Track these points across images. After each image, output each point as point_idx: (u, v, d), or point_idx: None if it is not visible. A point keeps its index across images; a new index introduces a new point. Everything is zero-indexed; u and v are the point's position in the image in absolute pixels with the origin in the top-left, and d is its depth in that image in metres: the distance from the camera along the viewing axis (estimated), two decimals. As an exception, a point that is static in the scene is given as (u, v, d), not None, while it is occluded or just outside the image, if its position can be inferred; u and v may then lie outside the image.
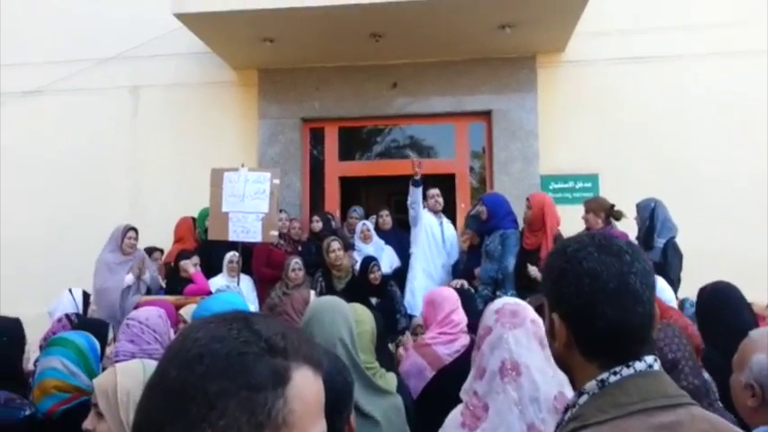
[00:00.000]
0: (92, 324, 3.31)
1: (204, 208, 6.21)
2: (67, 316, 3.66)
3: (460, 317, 3.16)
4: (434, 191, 5.96)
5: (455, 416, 1.84)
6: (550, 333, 1.17)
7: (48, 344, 2.22)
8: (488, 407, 1.76)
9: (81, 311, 4.42)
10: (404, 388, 2.71)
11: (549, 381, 1.74)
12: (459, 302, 3.21)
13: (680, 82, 6.63)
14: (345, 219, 6.72)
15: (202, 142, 7.10)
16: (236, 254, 5.58)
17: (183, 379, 0.71)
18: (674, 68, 6.65)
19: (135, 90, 7.34)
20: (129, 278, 5.40)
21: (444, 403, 2.36)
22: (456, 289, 4.06)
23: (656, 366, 1.10)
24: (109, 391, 1.70)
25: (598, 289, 1.08)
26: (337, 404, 1.21)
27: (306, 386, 0.75)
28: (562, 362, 1.18)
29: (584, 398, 1.09)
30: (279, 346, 0.74)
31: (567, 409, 1.14)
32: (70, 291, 4.60)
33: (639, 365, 1.08)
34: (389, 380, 2.47)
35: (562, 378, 1.70)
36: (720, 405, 1.97)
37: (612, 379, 1.07)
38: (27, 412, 2.52)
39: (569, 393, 1.67)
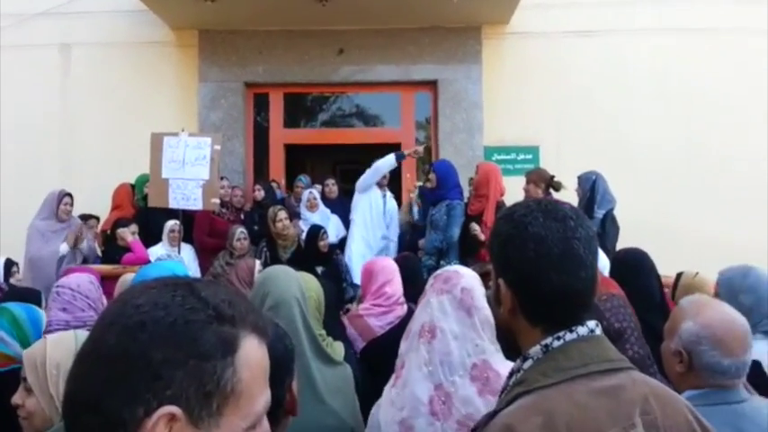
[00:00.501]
0: (23, 293, 3.18)
1: (142, 174, 6.01)
2: (-1, 286, 3.52)
3: (395, 288, 3.17)
4: None
5: (388, 384, 1.90)
6: (496, 298, 1.18)
7: None
8: (404, 364, 1.82)
9: (2, 280, 4.24)
10: (352, 357, 2.73)
11: (467, 347, 1.75)
12: (396, 273, 3.20)
13: (622, 55, 6.80)
14: (291, 187, 6.64)
15: (139, 105, 6.82)
16: (178, 222, 5.43)
17: (124, 347, 0.67)
18: (616, 42, 6.81)
19: (65, 48, 6.95)
20: (64, 247, 5.17)
21: (373, 375, 2.40)
22: (402, 259, 4.09)
23: (598, 331, 1.12)
24: (38, 364, 1.63)
25: (543, 253, 1.09)
26: (278, 371, 1.20)
27: (253, 354, 0.73)
28: (507, 327, 1.19)
29: (529, 363, 1.10)
30: (227, 314, 0.72)
31: (511, 374, 1.15)
32: (-11, 259, 4.39)
33: (582, 330, 1.09)
34: (337, 349, 2.47)
35: (489, 348, 1.75)
36: (658, 374, 2.06)
37: (556, 344, 1.08)
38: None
39: (496, 362, 1.73)
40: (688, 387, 1.66)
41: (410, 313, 2.97)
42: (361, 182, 5.76)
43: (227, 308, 0.72)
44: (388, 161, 5.66)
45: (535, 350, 1.10)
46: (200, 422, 0.68)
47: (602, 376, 1.05)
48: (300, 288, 2.09)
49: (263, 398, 0.75)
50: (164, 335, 0.68)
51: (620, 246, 4.92)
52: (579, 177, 5.24)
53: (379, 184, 5.87)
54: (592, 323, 1.11)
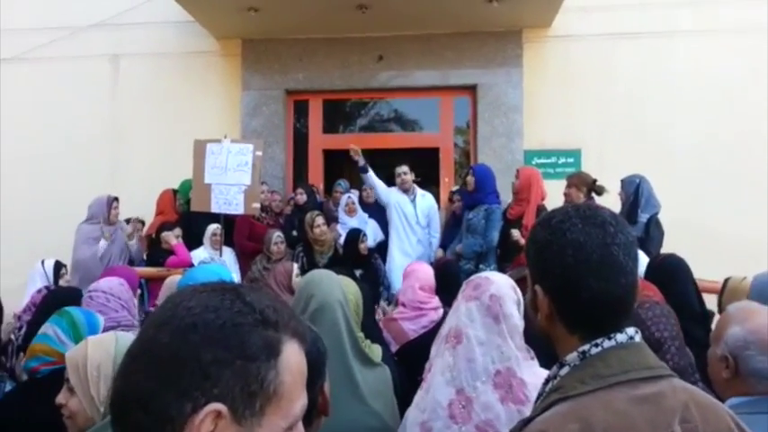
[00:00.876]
0: (65, 291, 3.29)
1: (186, 179, 6.16)
2: (46, 287, 3.66)
3: (429, 292, 3.19)
4: (401, 168, 5.89)
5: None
6: (533, 305, 1.17)
7: (58, 313, 2.27)
8: (431, 368, 1.84)
9: (51, 282, 4.40)
10: (389, 359, 2.75)
11: (491, 354, 1.76)
12: (430, 278, 3.23)
13: (665, 58, 6.64)
14: (329, 192, 6.70)
15: (184, 113, 7.00)
16: (219, 226, 5.55)
17: (176, 347, 0.71)
18: (659, 44, 6.66)
19: (115, 59, 7.20)
20: (103, 243, 5.34)
21: (407, 378, 2.41)
22: (442, 264, 4.10)
23: (637, 338, 1.10)
24: (79, 365, 1.65)
25: (582, 260, 1.07)
26: (312, 374, 1.24)
27: (294, 358, 0.77)
28: (545, 334, 1.17)
29: (565, 369, 1.09)
30: (271, 319, 0.76)
31: (548, 381, 1.14)
32: (42, 262, 4.57)
33: (621, 337, 1.07)
34: (376, 351, 2.49)
35: (514, 355, 1.75)
36: (701, 383, 2.01)
37: (594, 351, 1.07)
38: (6, 386, 2.54)
39: (521, 370, 1.72)
40: (734, 394, 1.62)
41: (445, 318, 3.01)
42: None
43: (271, 313, 0.76)
44: (363, 177, 5.90)
45: (572, 357, 1.09)
46: (243, 420, 0.71)
47: (641, 384, 1.03)
48: (343, 292, 2.13)
49: (301, 400, 0.78)
50: (214, 336, 0.71)
51: (664, 251, 4.82)
52: (623, 181, 5.13)
53: (405, 189, 5.85)
54: (631, 330, 1.09)
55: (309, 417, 1.27)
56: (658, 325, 2.09)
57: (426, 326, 3.06)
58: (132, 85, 7.18)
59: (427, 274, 3.28)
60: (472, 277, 1.96)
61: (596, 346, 1.07)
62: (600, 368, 1.05)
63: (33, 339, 2.20)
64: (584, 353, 1.08)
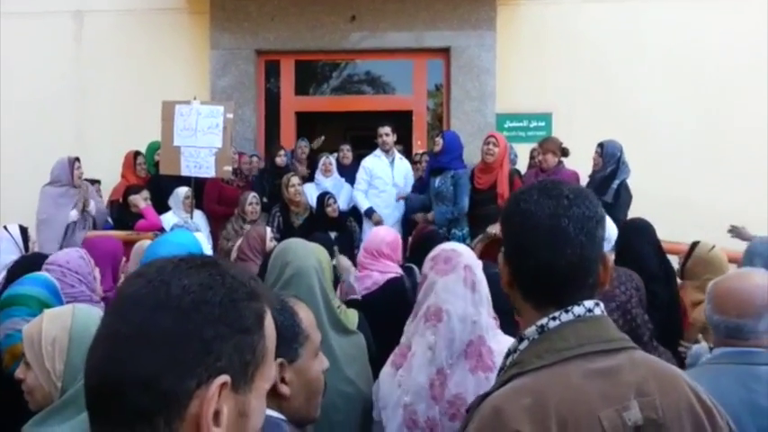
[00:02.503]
0: (31, 259, 3.17)
1: (153, 141, 6.06)
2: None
3: (372, 256, 3.26)
4: (383, 129, 5.87)
5: (388, 362, 1.96)
6: (500, 271, 1.21)
7: (4, 303, 2.12)
8: (411, 347, 1.88)
9: (22, 248, 4.29)
10: (364, 325, 2.79)
11: (467, 328, 1.80)
12: (380, 242, 3.30)
13: (637, 23, 6.66)
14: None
15: (150, 71, 6.83)
16: (190, 189, 5.48)
17: (178, 327, 0.72)
18: (632, 9, 6.66)
19: (78, 15, 6.94)
20: (74, 214, 5.24)
21: None
22: (424, 234, 4.16)
23: (597, 311, 1.11)
24: (34, 339, 1.62)
25: (529, 228, 1.11)
26: (285, 346, 1.28)
27: (270, 326, 0.81)
28: (511, 301, 1.20)
29: (525, 343, 1.11)
30: (256, 292, 0.79)
31: (508, 354, 1.15)
32: (5, 227, 4.44)
33: (578, 310, 1.09)
34: (351, 317, 2.52)
35: (485, 323, 1.81)
36: (656, 343, 2.09)
37: (552, 324, 1.09)
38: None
39: (489, 338, 1.79)
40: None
41: (389, 282, 3.13)
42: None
43: (255, 286, 0.80)
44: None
45: (531, 331, 1.11)
46: (239, 388, 0.75)
47: (598, 357, 1.05)
48: (318, 259, 2.11)
49: (272, 361, 0.83)
50: (214, 313, 0.73)
51: (629, 214, 4.94)
52: (603, 145, 5.18)
53: (385, 150, 5.85)
54: (590, 303, 1.10)
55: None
56: (622, 286, 2.15)
57: (369, 287, 3.15)
58: (96, 43, 6.95)
59: (377, 237, 3.36)
60: (436, 252, 1.96)
61: (554, 319, 1.09)
62: (556, 342, 1.07)
63: (6, 337, 2.06)
64: (542, 327, 1.09)
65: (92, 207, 5.35)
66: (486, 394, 1.09)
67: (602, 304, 1.13)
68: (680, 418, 1.02)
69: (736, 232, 4.22)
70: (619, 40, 6.66)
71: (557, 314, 1.09)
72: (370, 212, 5.65)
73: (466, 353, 1.79)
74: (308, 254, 2.10)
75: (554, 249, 1.09)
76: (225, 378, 0.72)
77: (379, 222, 5.53)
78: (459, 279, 1.85)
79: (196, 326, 0.72)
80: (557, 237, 1.10)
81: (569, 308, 1.09)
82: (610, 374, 1.03)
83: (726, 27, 6.53)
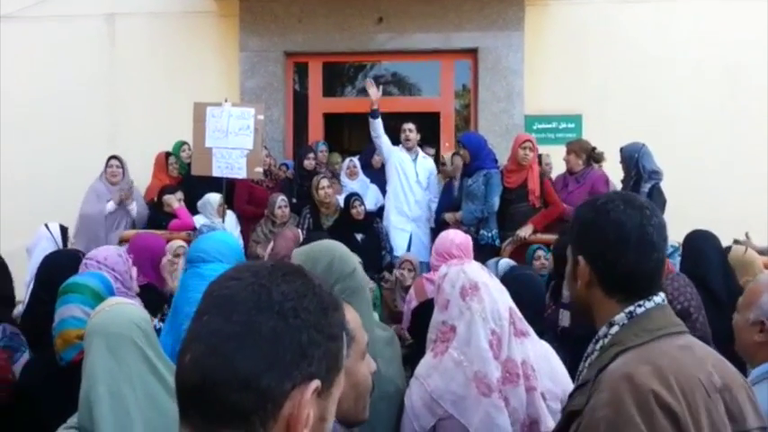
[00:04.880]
0: (62, 257, 3.24)
1: (178, 141, 6.17)
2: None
3: (441, 257, 3.30)
4: (407, 125, 5.80)
5: (426, 358, 1.97)
6: (572, 274, 1.39)
7: (62, 291, 2.19)
8: (456, 327, 1.92)
9: (61, 245, 4.40)
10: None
11: (504, 295, 1.99)
12: (463, 247, 3.36)
13: (667, 23, 6.59)
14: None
15: (181, 74, 6.93)
16: (222, 196, 5.49)
17: (280, 330, 0.75)
18: (662, 9, 6.59)
19: (110, 18, 7.07)
20: (111, 205, 5.39)
21: (418, 334, 2.49)
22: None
23: (665, 301, 1.33)
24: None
25: (622, 237, 1.29)
26: None
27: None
28: (582, 299, 1.39)
29: (615, 328, 1.30)
30: (338, 302, 0.83)
31: (597, 340, 1.34)
32: (46, 225, 4.54)
33: (657, 299, 1.30)
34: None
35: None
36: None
37: (639, 311, 1.29)
38: (25, 353, 2.55)
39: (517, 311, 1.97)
40: (765, 358, 1.74)
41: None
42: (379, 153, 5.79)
43: (337, 296, 0.85)
44: (371, 123, 5.69)
45: (620, 317, 1.30)
46: (322, 393, 0.78)
47: (676, 336, 1.27)
48: (339, 267, 2.12)
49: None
50: (311, 320, 0.77)
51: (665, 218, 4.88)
52: (622, 150, 5.13)
53: (408, 147, 5.79)
54: (663, 294, 1.32)
55: None
56: (685, 295, 2.17)
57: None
58: (128, 45, 7.07)
59: (447, 239, 3.42)
60: (450, 279, 2.01)
61: (640, 306, 1.29)
62: (646, 324, 1.27)
63: (59, 323, 2.12)
64: (630, 313, 1.29)
65: (132, 207, 5.48)
66: (601, 369, 1.25)
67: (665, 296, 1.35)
68: (738, 387, 1.23)
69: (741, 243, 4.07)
70: (649, 40, 6.59)
71: (641, 302, 1.29)
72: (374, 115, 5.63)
73: (509, 319, 1.92)
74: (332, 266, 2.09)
75: (643, 255, 1.29)
76: (318, 383, 0.76)
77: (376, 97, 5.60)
78: (480, 265, 2.05)
79: (295, 330, 0.76)
80: (646, 245, 1.29)
81: (651, 297, 1.30)
82: (690, 349, 1.25)
83: (762, 30, 6.42)
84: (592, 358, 1.33)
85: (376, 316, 2.43)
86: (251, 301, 0.76)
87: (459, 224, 5.17)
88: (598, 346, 1.33)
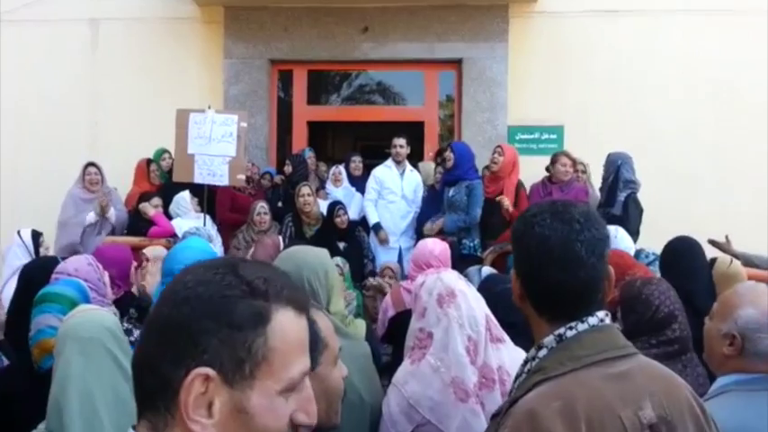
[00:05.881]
0: (40, 262, 3.18)
1: (159, 148, 6.12)
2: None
3: (418, 268, 3.29)
4: (398, 140, 5.87)
5: (404, 365, 1.98)
6: (513, 285, 1.30)
7: (37, 300, 2.17)
8: (433, 334, 1.93)
9: (32, 253, 4.35)
10: (372, 334, 2.80)
11: (481, 302, 1.99)
12: (442, 257, 3.35)
13: (649, 36, 6.68)
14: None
15: (165, 80, 6.89)
16: (188, 193, 5.49)
17: (172, 318, 0.78)
18: (644, 22, 6.68)
19: (94, 23, 7.02)
20: (92, 216, 5.32)
21: (395, 343, 2.48)
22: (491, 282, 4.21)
23: (607, 321, 1.21)
24: None
25: (544, 252, 1.19)
26: None
27: (287, 325, 0.81)
28: (524, 314, 1.29)
29: (543, 351, 1.20)
30: (260, 289, 0.80)
31: (526, 362, 1.24)
32: (19, 233, 4.51)
33: (592, 320, 1.18)
34: (359, 326, 2.53)
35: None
36: (694, 354, 2.10)
37: (569, 334, 1.18)
38: (4, 362, 2.51)
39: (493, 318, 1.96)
40: (732, 370, 1.71)
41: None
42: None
43: (261, 284, 0.81)
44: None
45: (549, 340, 1.19)
46: (234, 383, 0.77)
47: (613, 362, 1.15)
48: (315, 271, 2.10)
49: (298, 365, 0.82)
50: (203, 308, 0.77)
51: (643, 227, 4.94)
52: (608, 156, 5.20)
53: (398, 161, 5.85)
54: (601, 314, 1.20)
55: None
56: (670, 298, 2.18)
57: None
58: (111, 51, 7.01)
59: (426, 249, 3.40)
60: (427, 288, 2.02)
61: (571, 329, 1.18)
62: (576, 350, 1.16)
63: (36, 333, 2.11)
64: (560, 336, 1.18)
65: (111, 214, 5.41)
66: (514, 400, 1.16)
67: (609, 315, 1.23)
68: (683, 416, 1.13)
69: (717, 245, 4.07)
70: (632, 53, 6.68)
71: (573, 324, 1.18)
72: (377, 228, 5.65)
73: (486, 327, 1.93)
74: (303, 269, 2.08)
75: (567, 271, 1.18)
76: (204, 370, 0.76)
77: (384, 241, 5.55)
78: (455, 273, 2.08)
79: (185, 318, 0.77)
80: (570, 261, 1.18)
81: (585, 319, 1.19)
82: (624, 378, 1.13)
83: (740, 43, 6.55)
84: (520, 380, 1.23)
85: (363, 326, 2.43)
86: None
87: (439, 233, 5.18)
88: (526, 369, 1.23)
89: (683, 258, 3.13)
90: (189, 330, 0.76)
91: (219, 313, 0.77)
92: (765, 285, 1.84)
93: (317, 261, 2.10)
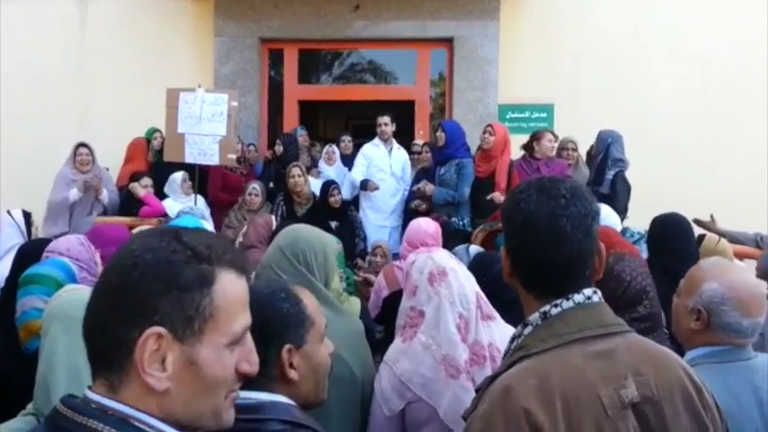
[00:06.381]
0: (33, 244, 3.19)
1: (151, 127, 6.10)
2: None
3: (429, 246, 3.30)
4: (382, 119, 5.91)
5: (395, 343, 2.01)
6: (503, 263, 1.30)
7: (22, 281, 2.17)
8: (424, 312, 1.96)
9: (25, 232, 4.34)
10: (366, 312, 2.83)
11: (471, 281, 2.02)
12: (434, 238, 3.37)
13: (640, 14, 6.67)
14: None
15: (154, 58, 6.83)
16: (186, 173, 5.50)
17: (121, 283, 0.85)
18: (635, 2, 6.68)
19: (82, 2, 6.92)
20: (74, 193, 5.30)
21: (389, 322, 2.53)
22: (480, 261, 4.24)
23: (595, 298, 1.20)
24: None
25: (530, 227, 1.19)
26: (267, 331, 1.31)
27: (229, 286, 0.90)
28: (514, 290, 1.29)
29: (529, 329, 1.20)
30: (203, 254, 0.88)
31: (513, 339, 1.25)
32: (9, 212, 4.48)
33: (578, 297, 1.18)
34: (353, 303, 2.57)
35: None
36: (665, 331, 2.14)
37: (554, 311, 1.18)
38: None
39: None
40: (700, 344, 1.75)
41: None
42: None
43: (203, 249, 0.89)
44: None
45: (534, 317, 1.20)
46: (185, 339, 0.85)
47: (596, 341, 1.14)
48: (313, 248, 2.09)
49: (240, 321, 0.91)
50: (150, 273, 0.85)
51: (632, 206, 4.99)
52: (599, 134, 5.24)
53: (384, 139, 5.88)
54: (588, 291, 1.20)
55: (267, 375, 1.32)
56: (640, 275, 2.21)
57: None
58: (100, 29, 6.93)
59: (420, 229, 3.42)
60: (418, 266, 2.04)
61: (556, 306, 1.18)
62: (558, 327, 1.15)
63: (21, 314, 2.11)
64: (545, 313, 1.18)
65: (104, 195, 5.40)
66: (495, 376, 1.17)
67: (599, 292, 1.22)
68: (672, 396, 1.11)
69: (702, 224, 4.08)
70: (623, 31, 6.67)
71: (558, 301, 1.18)
72: (365, 183, 5.68)
73: (477, 303, 1.96)
74: (306, 247, 2.09)
75: (553, 247, 1.18)
76: (158, 329, 0.83)
77: (375, 188, 5.60)
78: (446, 252, 2.11)
79: (134, 282, 0.84)
80: (555, 236, 1.18)
81: (570, 296, 1.18)
82: (607, 356, 1.12)
83: (731, 20, 6.55)
84: (504, 360, 1.24)
85: (358, 304, 2.46)
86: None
87: (428, 201, 5.21)
88: (513, 346, 1.23)
89: (673, 237, 3.13)
90: (139, 294, 0.83)
91: (167, 277, 0.84)
92: (733, 260, 1.88)
93: (315, 239, 2.11)
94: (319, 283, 2.06)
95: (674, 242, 3.13)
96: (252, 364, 0.93)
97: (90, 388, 0.88)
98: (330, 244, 2.28)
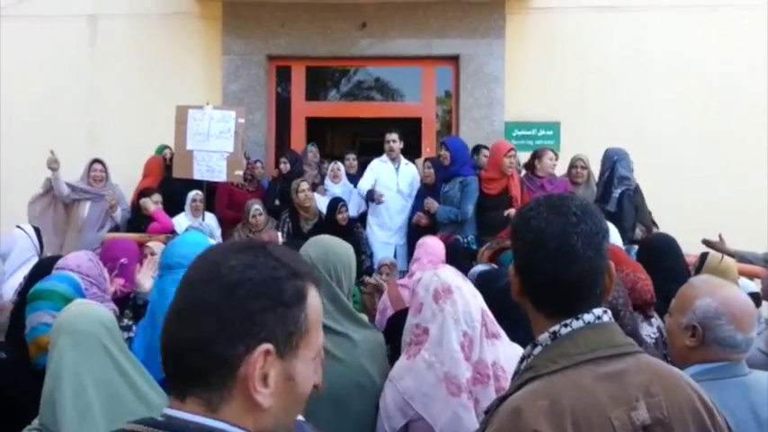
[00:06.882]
0: (44, 262, 3.21)
1: (161, 144, 6.14)
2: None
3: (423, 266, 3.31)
4: (390, 136, 5.92)
5: (400, 360, 2.02)
6: (512, 281, 1.28)
7: (30, 297, 2.19)
8: (428, 329, 1.97)
9: (38, 245, 4.37)
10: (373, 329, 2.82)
11: (477, 299, 2.02)
12: (440, 253, 3.40)
13: (645, 32, 6.71)
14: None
15: (163, 75, 6.90)
16: (199, 192, 5.55)
17: (225, 301, 0.84)
18: (640, 18, 6.72)
19: (92, 19, 7.03)
20: (64, 187, 5.41)
21: (395, 341, 2.53)
22: (448, 243, 4.24)
23: (606, 318, 1.18)
24: None
25: (539, 245, 1.18)
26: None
27: (315, 301, 0.93)
28: (522, 309, 1.28)
29: (538, 349, 1.19)
30: (298, 271, 0.90)
31: (522, 359, 1.23)
32: (20, 227, 4.51)
33: (588, 317, 1.16)
34: (362, 319, 2.56)
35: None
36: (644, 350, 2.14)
37: (564, 331, 1.16)
38: (3, 355, 2.54)
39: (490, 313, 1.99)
40: (695, 361, 1.73)
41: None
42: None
43: (297, 265, 0.91)
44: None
45: (544, 337, 1.18)
46: (285, 355, 0.87)
47: (607, 361, 1.12)
48: (340, 260, 2.19)
49: (321, 334, 0.95)
50: (257, 289, 0.85)
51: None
52: (605, 151, 5.25)
53: (392, 157, 5.89)
54: (599, 311, 1.18)
55: None
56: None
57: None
58: (110, 47, 7.02)
59: (432, 247, 3.45)
60: (424, 283, 2.06)
61: (566, 326, 1.16)
62: (568, 348, 1.14)
63: (31, 329, 2.13)
64: (554, 333, 1.17)
65: (117, 213, 5.45)
66: (504, 397, 1.16)
67: (609, 312, 1.20)
68: (684, 417, 1.09)
69: (711, 245, 4.05)
70: (628, 49, 6.71)
71: (568, 321, 1.16)
72: (371, 193, 5.65)
73: (482, 322, 1.96)
74: (332, 256, 2.17)
75: (563, 265, 1.16)
76: (267, 346, 0.84)
77: (380, 196, 5.60)
78: (454, 269, 2.11)
79: (240, 300, 0.84)
80: (566, 254, 1.16)
81: (580, 315, 1.16)
82: (618, 377, 1.10)
83: (734, 38, 6.59)
84: (513, 381, 1.22)
85: (365, 318, 2.48)
86: (202, 276, 0.87)
87: (432, 230, 5.22)
88: (523, 366, 1.21)
89: (662, 257, 3.13)
90: (246, 311, 0.84)
91: (273, 294, 0.86)
92: (738, 279, 1.88)
93: (344, 252, 2.20)
94: (345, 293, 2.16)
95: (663, 262, 3.12)
96: (319, 376, 0.96)
97: (173, 407, 0.86)
98: (354, 258, 2.32)
